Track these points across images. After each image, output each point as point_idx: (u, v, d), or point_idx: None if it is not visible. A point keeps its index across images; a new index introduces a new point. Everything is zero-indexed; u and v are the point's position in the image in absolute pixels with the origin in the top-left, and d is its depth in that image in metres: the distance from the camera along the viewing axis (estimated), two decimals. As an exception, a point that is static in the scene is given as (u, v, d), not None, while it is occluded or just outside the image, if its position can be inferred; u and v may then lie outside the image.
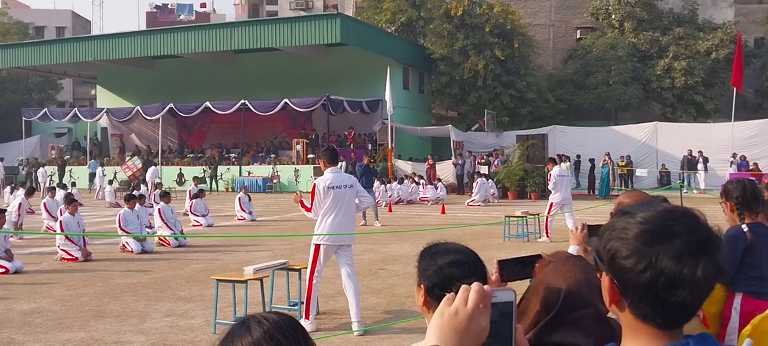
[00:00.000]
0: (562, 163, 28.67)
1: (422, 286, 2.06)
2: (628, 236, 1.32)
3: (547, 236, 14.45)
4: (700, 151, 29.41)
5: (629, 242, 1.31)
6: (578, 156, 30.73)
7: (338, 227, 7.24)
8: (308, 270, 7.32)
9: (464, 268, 2.03)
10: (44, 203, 17.36)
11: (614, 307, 1.39)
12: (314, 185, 7.26)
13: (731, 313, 3.89)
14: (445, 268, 2.02)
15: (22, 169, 37.27)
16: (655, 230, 1.30)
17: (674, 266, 1.26)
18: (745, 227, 3.86)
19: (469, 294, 1.28)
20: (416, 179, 28.05)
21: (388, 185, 25.52)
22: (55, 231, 13.67)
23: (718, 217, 4.19)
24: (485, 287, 1.31)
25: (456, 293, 1.95)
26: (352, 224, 7.46)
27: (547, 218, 14.59)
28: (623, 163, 30.32)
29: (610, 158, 28.39)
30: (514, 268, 2.45)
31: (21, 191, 18.87)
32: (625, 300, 1.35)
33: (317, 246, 7.28)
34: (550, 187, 14.74)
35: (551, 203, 14.55)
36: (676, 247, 1.27)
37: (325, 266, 7.52)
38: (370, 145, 33.82)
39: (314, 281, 7.23)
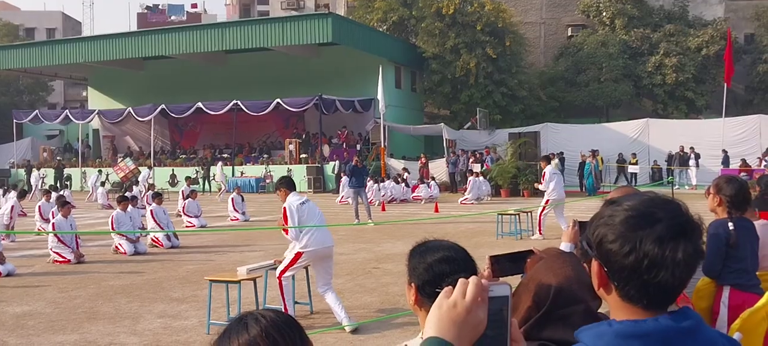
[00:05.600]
0: (552, 161, 28.86)
1: (413, 284, 2.06)
2: (615, 222, 1.42)
3: (540, 233, 14.48)
4: (691, 148, 29.57)
5: (615, 228, 1.41)
6: (561, 153, 30.66)
7: (320, 236, 7.39)
8: (279, 269, 7.42)
9: (454, 264, 2.03)
10: (39, 207, 17.26)
11: (602, 291, 1.47)
12: (284, 208, 7.36)
13: (720, 307, 3.93)
14: (435, 265, 2.03)
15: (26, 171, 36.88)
16: (639, 215, 1.40)
17: (656, 249, 1.35)
18: (730, 225, 3.91)
19: (467, 287, 1.31)
20: (403, 177, 27.71)
21: (381, 184, 25.50)
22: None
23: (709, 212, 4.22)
24: (482, 280, 1.34)
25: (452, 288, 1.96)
26: (327, 231, 7.63)
27: (540, 214, 14.61)
28: (635, 160, 30.60)
29: (593, 155, 28.51)
30: (506, 264, 2.46)
31: (13, 194, 18.79)
32: (612, 283, 1.43)
33: (299, 253, 7.35)
34: (542, 187, 14.79)
35: (547, 200, 14.60)
36: (658, 231, 1.36)
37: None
38: (358, 145, 33.80)
39: (284, 281, 7.36)
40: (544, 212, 14.62)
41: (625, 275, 1.40)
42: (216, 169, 31.50)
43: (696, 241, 1.39)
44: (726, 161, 27.83)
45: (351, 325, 7.14)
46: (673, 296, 1.42)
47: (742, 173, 21.91)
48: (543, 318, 2.08)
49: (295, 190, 7.60)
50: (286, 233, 7.49)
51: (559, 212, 14.82)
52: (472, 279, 1.33)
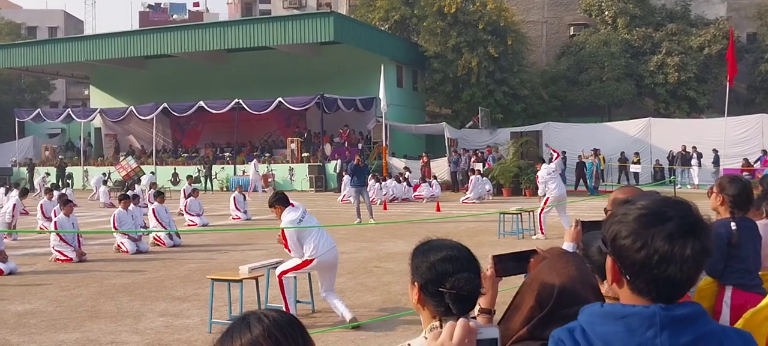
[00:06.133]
0: (554, 161, 28.92)
1: (416, 283, 2.07)
2: (628, 220, 1.51)
3: (542, 233, 14.44)
4: (694, 147, 29.55)
5: (629, 225, 1.51)
6: (564, 152, 30.60)
7: (327, 245, 7.39)
8: (281, 268, 7.43)
9: (457, 263, 2.03)
10: (41, 205, 17.28)
11: (615, 285, 1.57)
12: (282, 230, 7.36)
13: (722, 307, 3.92)
14: (438, 264, 2.03)
15: (27, 170, 36.89)
16: (651, 214, 1.49)
17: (666, 245, 1.45)
18: (733, 225, 3.90)
19: (454, 329, 1.38)
20: (405, 176, 27.71)
21: (383, 183, 25.49)
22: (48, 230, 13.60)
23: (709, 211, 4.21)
24: (470, 323, 1.41)
25: (448, 289, 1.97)
26: (329, 237, 7.64)
27: (540, 213, 14.58)
28: (637, 160, 30.71)
29: (595, 154, 28.47)
30: (509, 263, 2.47)
31: (15, 192, 18.81)
32: (624, 277, 1.53)
33: (308, 260, 7.34)
34: (540, 192, 14.76)
35: (547, 198, 14.57)
36: (669, 229, 1.46)
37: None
38: (360, 144, 33.82)
39: (284, 280, 7.37)
40: (544, 211, 14.60)
41: (636, 269, 1.49)
42: (250, 168, 31.14)
43: (704, 240, 1.48)
44: (717, 161, 27.92)
45: (352, 316, 7.20)
46: (681, 290, 1.51)
47: (745, 173, 21.88)
48: (546, 318, 2.09)
49: (288, 204, 7.54)
50: (288, 250, 7.50)
51: (562, 210, 14.74)
52: (460, 322, 1.40)
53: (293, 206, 7.53)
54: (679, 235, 1.45)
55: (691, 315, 1.48)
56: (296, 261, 7.39)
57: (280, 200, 7.53)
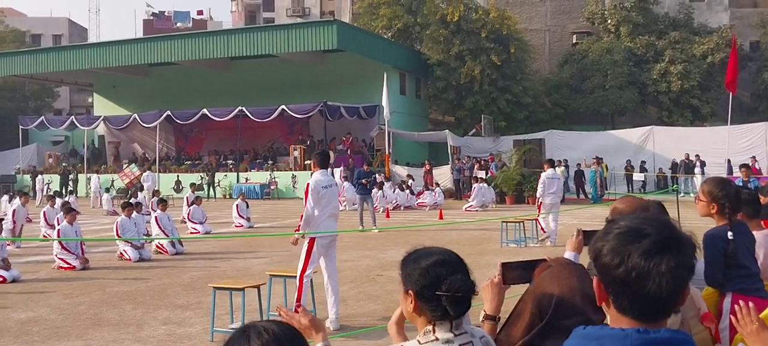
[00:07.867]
0: (557, 168, 28.90)
1: (411, 292, 2.07)
2: (609, 238, 1.55)
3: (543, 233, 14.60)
4: (697, 155, 29.50)
5: (610, 243, 1.54)
6: (566, 160, 30.53)
7: (330, 225, 7.58)
8: (299, 268, 7.48)
9: (449, 266, 2.04)
10: (44, 212, 17.31)
11: (604, 305, 1.59)
12: (308, 184, 7.53)
13: (722, 313, 3.88)
14: (431, 268, 2.04)
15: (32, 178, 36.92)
16: (629, 232, 1.53)
17: (643, 261, 1.48)
18: (730, 234, 3.84)
19: None
20: (408, 184, 27.74)
21: (383, 190, 25.42)
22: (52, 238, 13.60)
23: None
24: None
25: (445, 292, 1.99)
26: (336, 221, 7.83)
27: (538, 220, 14.74)
28: (640, 167, 30.83)
29: (597, 162, 28.44)
30: (517, 271, 2.47)
31: (18, 200, 18.83)
32: (609, 296, 1.56)
33: (312, 241, 7.45)
34: (538, 193, 14.83)
35: (541, 203, 14.80)
36: (644, 246, 1.49)
37: (315, 274, 7.69)
38: (365, 150, 33.81)
39: (305, 280, 7.42)
40: (542, 217, 14.74)
41: (617, 287, 1.52)
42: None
43: (681, 256, 1.50)
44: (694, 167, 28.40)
45: (335, 327, 7.39)
46: (664, 307, 1.52)
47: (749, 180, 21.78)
48: (546, 327, 2.09)
49: (326, 167, 7.74)
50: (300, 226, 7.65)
51: (552, 215, 14.87)
52: None
53: (326, 172, 7.72)
54: (655, 251, 1.48)
55: (669, 341, 1.49)
56: (304, 249, 7.50)
57: (320, 157, 7.75)
